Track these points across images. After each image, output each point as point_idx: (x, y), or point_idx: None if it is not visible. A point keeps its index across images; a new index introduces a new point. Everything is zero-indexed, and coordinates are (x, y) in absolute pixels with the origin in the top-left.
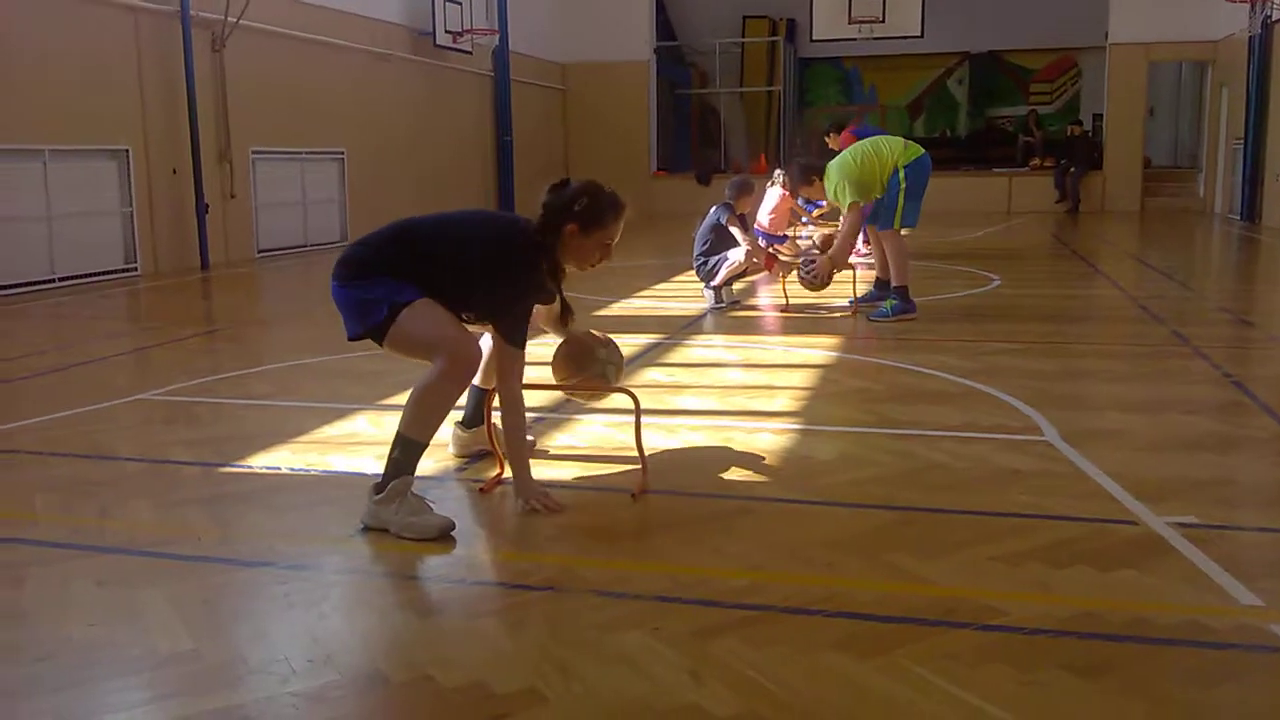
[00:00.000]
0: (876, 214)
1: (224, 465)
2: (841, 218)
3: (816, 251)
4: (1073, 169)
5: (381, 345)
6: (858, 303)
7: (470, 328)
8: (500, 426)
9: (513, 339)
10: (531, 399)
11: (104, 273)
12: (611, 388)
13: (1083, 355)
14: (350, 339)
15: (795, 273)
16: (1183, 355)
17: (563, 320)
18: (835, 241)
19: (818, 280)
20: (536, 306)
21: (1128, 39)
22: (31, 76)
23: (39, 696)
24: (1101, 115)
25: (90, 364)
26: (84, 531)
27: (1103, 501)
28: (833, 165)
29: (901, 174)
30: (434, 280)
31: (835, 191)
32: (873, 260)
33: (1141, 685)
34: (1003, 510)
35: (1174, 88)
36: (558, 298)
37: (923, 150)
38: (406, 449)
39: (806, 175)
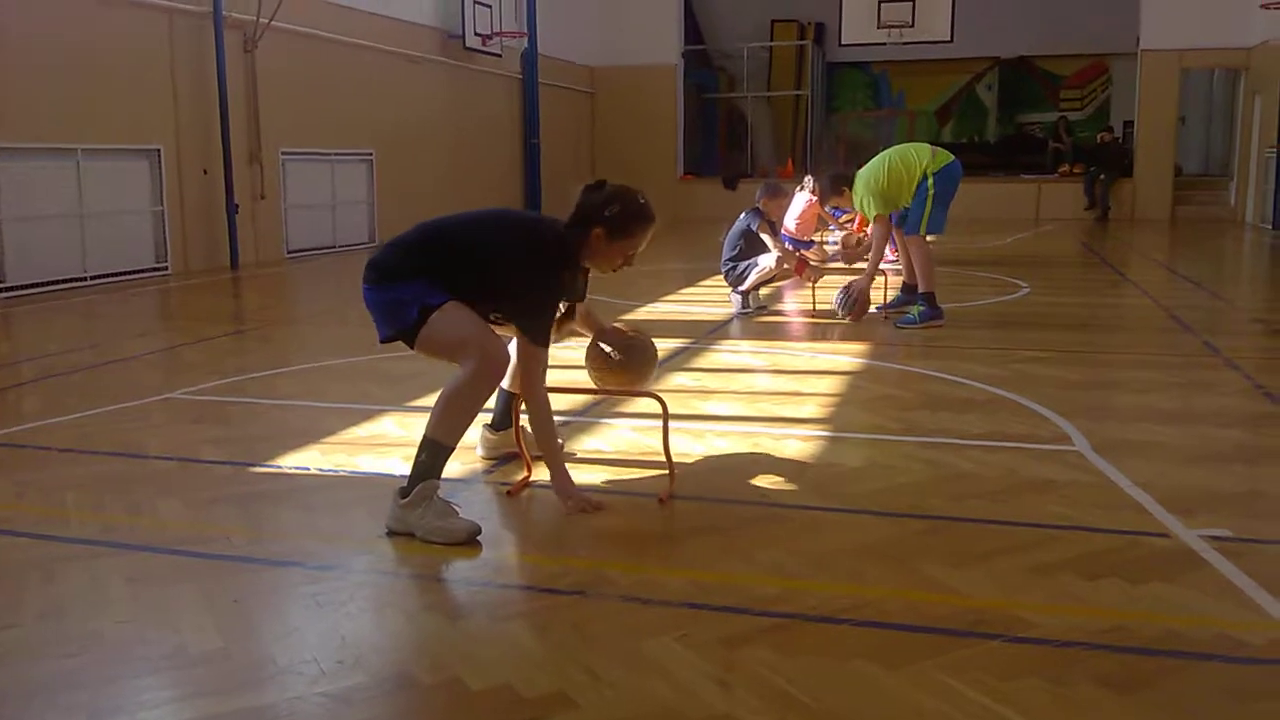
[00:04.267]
0: (903, 219)
1: (253, 465)
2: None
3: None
4: (1103, 176)
5: (412, 347)
6: (886, 308)
7: (497, 330)
8: (530, 430)
9: (536, 339)
10: (558, 402)
11: (135, 271)
12: (637, 392)
13: (1113, 364)
14: (381, 341)
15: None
16: (1214, 366)
17: (580, 313)
18: (867, 261)
19: (857, 305)
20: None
21: (1160, 45)
22: (65, 76)
23: (71, 692)
24: (1132, 122)
25: (121, 362)
26: (115, 529)
27: (1134, 513)
28: (860, 176)
29: (930, 181)
30: (462, 280)
31: (861, 204)
32: (900, 265)
33: (1175, 700)
34: (1033, 520)
35: (1206, 95)
36: (583, 294)
37: (952, 157)
38: (433, 452)
39: (836, 186)
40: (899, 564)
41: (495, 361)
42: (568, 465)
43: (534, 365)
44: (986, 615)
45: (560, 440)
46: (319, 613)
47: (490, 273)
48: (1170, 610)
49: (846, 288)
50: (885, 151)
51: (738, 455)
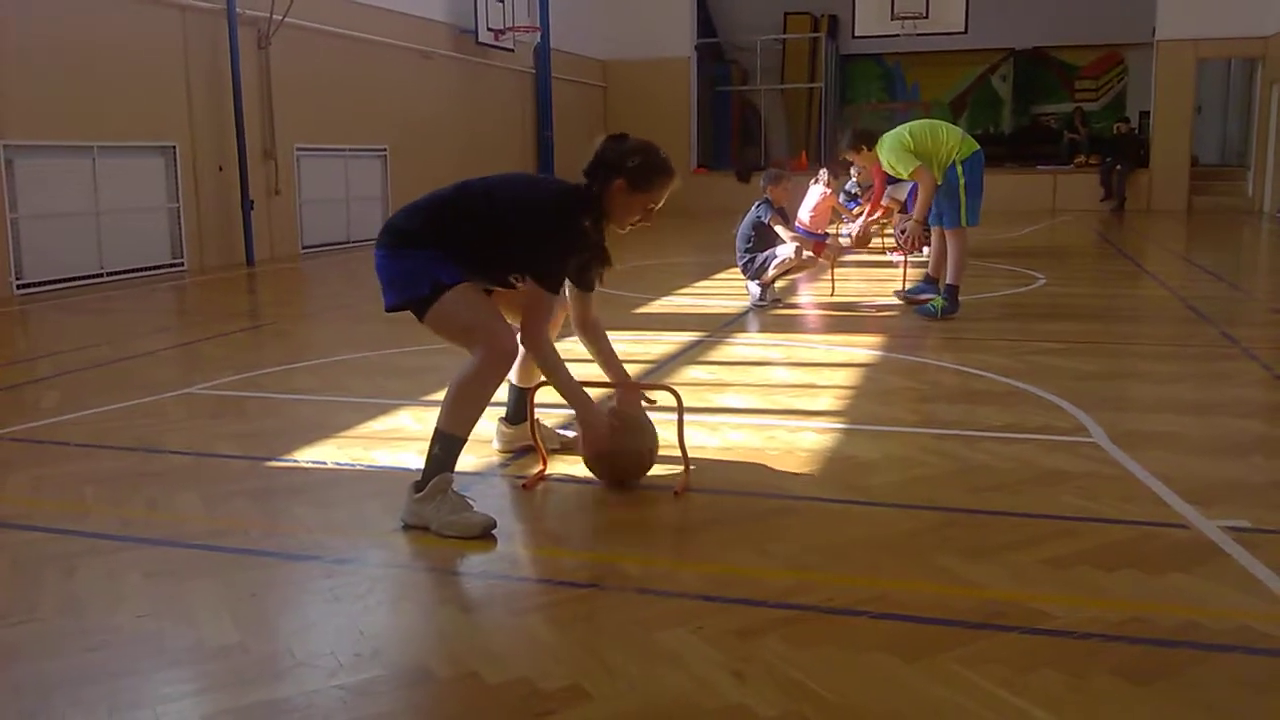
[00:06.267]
0: (941, 213)
1: (270, 459)
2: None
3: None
4: (1119, 167)
5: (421, 320)
6: (906, 295)
7: (510, 311)
8: (544, 423)
9: (547, 284)
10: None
11: (151, 268)
12: (653, 385)
13: (1130, 355)
14: (387, 309)
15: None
16: (1232, 356)
17: (593, 279)
18: (916, 204)
19: (910, 242)
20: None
21: (1176, 35)
22: (80, 74)
23: (91, 686)
24: (1148, 112)
25: (138, 358)
26: (133, 524)
27: (1152, 504)
28: (886, 139)
29: (960, 169)
30: (478, 243)
31: (890, 165)
32: (918, 259)
33: (1193, 692)
34: (1050, 512)
35: (1222, 85)
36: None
37: (978, 145)
38: (446, 445)
39: (856, 141)
40: (915, 556)
41: (502, 352)
42: (566, 455)
43: (542, 310)
44: (1004, 607)
45: (573, 433)
46: (336, 606)
47: (508, 232)
48: (1189, 601)
49: (901, 229)
50: (916, 122)
51: (753, 448)
